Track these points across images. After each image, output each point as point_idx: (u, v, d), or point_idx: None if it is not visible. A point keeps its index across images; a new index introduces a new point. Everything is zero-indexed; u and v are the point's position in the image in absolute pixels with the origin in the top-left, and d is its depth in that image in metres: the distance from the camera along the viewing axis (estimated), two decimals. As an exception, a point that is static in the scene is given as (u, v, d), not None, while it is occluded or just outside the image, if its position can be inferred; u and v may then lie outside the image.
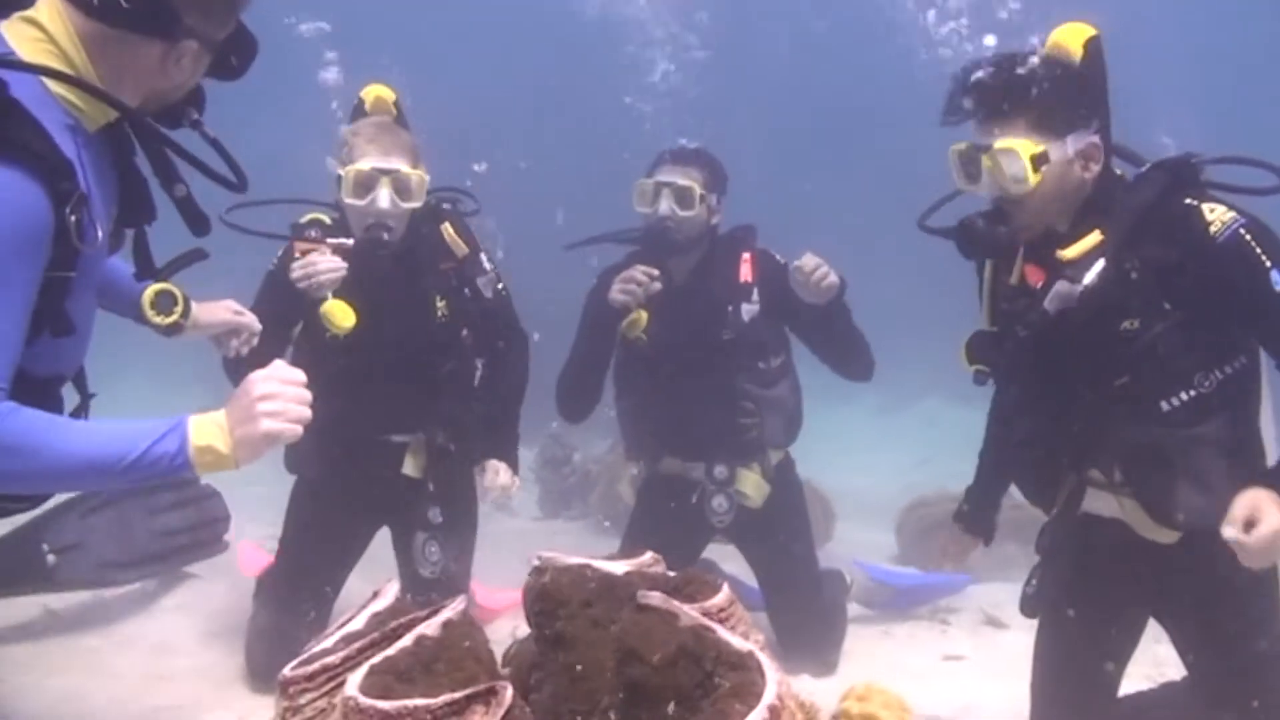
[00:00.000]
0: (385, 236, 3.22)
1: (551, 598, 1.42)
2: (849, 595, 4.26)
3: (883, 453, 9.69)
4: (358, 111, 3.44)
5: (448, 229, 3.45)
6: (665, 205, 3.61)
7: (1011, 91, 2.40)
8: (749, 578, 4.10)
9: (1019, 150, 2.37)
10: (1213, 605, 2.54)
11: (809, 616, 3.84)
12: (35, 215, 1.80)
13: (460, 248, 3.45)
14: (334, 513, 3.49)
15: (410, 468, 3.47)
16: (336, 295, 3.19)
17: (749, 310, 3.68)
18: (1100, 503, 2.64)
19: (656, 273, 3.59)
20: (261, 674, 3.29)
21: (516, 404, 3.69)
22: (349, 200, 3.23)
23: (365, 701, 1.20)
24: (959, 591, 4.70)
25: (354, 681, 1.24)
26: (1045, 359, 2.54)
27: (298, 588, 3.42)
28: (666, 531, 3.78)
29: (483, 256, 3.49)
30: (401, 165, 3.21)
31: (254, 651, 3.39)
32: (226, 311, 2.72)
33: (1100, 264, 2.37)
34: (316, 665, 1.33)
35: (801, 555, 3.92)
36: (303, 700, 1.34)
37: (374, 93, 3.43)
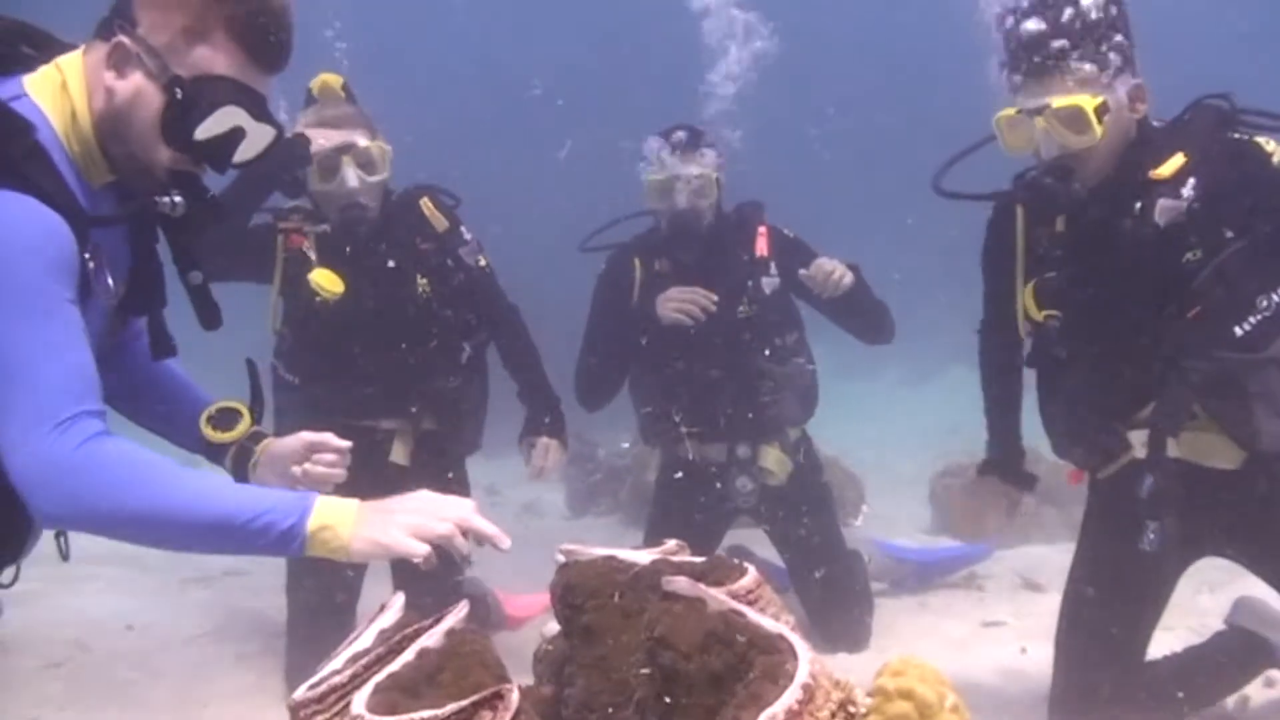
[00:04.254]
0: (360, 213, 3.24)
1: (578, 591, 1.41)
2: (869, 574, 4.19)
3: (911, 424, 9.61)
4: (307, 100, 3.41)
5: (426, 204, 3.43)
6: (684, 199, 3.57)
7: (1055, 48, 2.44)
8: (778, 560, 4.04)
9: (1083, 105, 2.42)
10: None
11: (838, 592, 3.80)
12: (67, 240, 1.67)
13: (440, 222, 3.43)
14: None
15: (398, 455, 3.43)
16: (320, 265, 3.22)
17: (769, 284, 3.66)
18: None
19: (715, 297, 3.59)
20: (298, 680, 3.25)
21: (540, 373, 3.65)
22: (317, 187, 3.25)
23: (371, 719, 1.19)
24: (981, 561, 4.64)
25: (359, 700, 1.23)
26: (1120, 297, 2.59)
27: (312, 598, 3.39)
28: (690, 516, 3.75)
29: (463, 228, 3.47)
30: (359, 139, 3.22)
31: (290, 672, 3.39)
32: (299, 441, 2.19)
33: (1193, 180, 2.45)
34: (325, 686, 1.32)
35: (827, 531, 3.88)
36: None
37: (321, 79, 3.39)
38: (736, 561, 1.41)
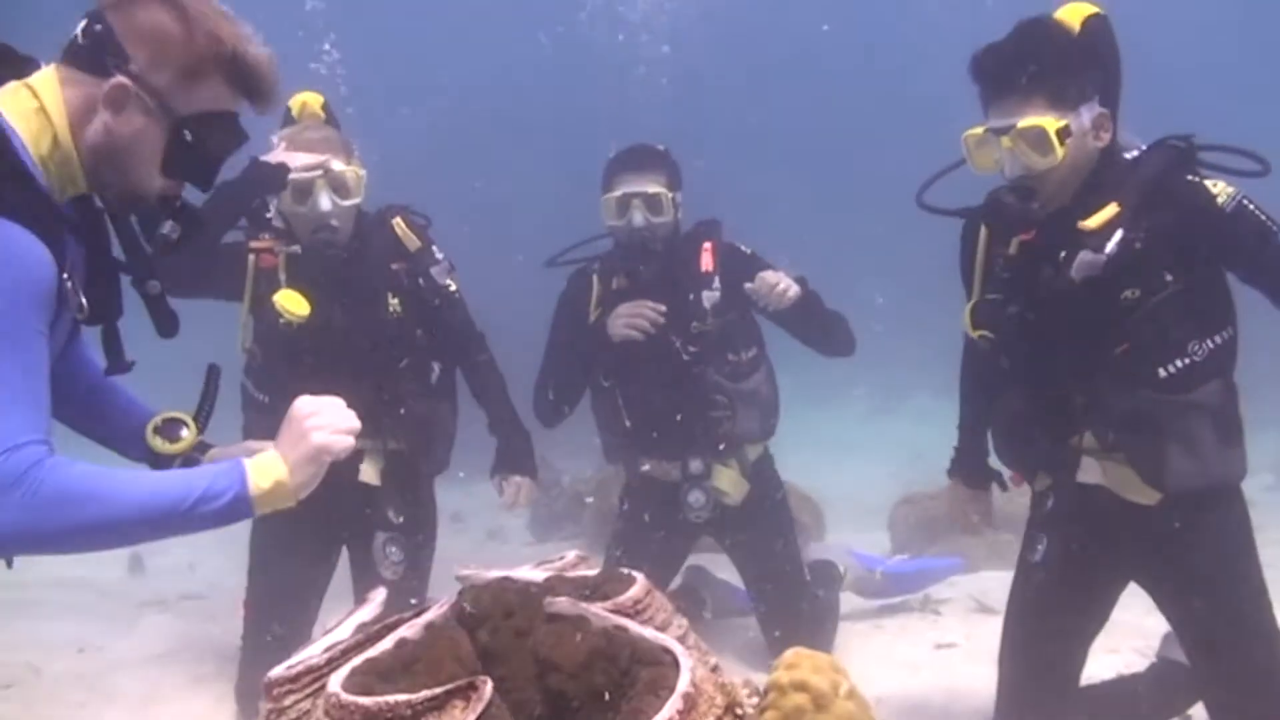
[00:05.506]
0: (330, 235, 3.25)
1: (472, 615, 1.43)
2: (843, 585, 4.23)
3: (875, 453, 9.68)
4: (286, 119, 3.43)
5: (399, 224, 3.46)
6: (638, 217, 3.60)
7: (1024, 70, 2.48)
8: (739, 582, 4.06)
9: (1045, 126, 2.46)
10: (1192, 564, 2.62)
11: (796, 614, 3.81)
12: (49, 269, 1.73)
13: (412, 241, 3.45)
14: (294, 531, 3.43)
15: (368, 474, 3.44)
16: (289, 287, 3.22)
17: (709, 298, 3.66)
18: (1087, 470, 2.70)
19: (663, 308, 3.61)
20: (249, 705, 3.23)
21: (508, 404, 3.68)
22: (290, 209, 3.27)
23: (347, 698, 1.22)
24: (955, 573, 4.70)
25: (336, 680, 1.26)
26: (1050, 326, 2.63)
27: (268, 615, 3.38)
28: (650, 534, 3.76)
29: (435, 248, 3.48)
30: (335, 164, 3.24)
31: (242, 689, 3.37)
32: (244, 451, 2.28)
33: (1119, 234, 2.46)
34: (301, 667, 1.35)
35: (785, 552, 3.89)
36: (287, 701, 1.35)
37: (301, 99, 3.42)
38: (626, 573, 1.43)
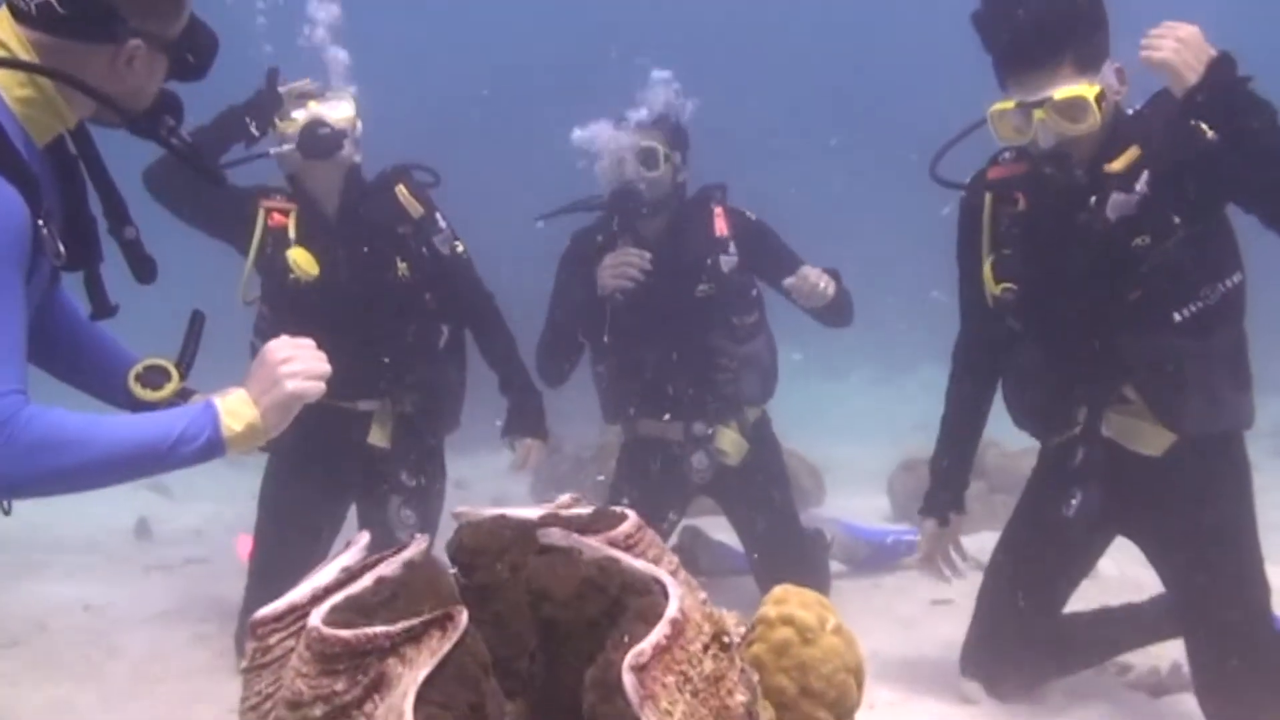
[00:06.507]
0: (330, 136, 3.30)
1: (469, 551, 1.45)
2: (830, 554, 4.25)
3: (879, 421, 9.68)
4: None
5: (402, 190, 3.49)
6: (631, 168, 3.63)
7: (1048, 41, 2.50)
8: (737, 544, 4.10)
9: (1085, 95, 2.48)
10: (1192, 516, 2.67)
11: (791, 561, 3.83)
12: (23, 217, 1.76)
13: (415, 208, 3.48)
14: (303, 489, 3.52)
15: (377, 437, 3.48)
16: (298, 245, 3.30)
17: (728, 262, 3.70)
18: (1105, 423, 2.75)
19: (648, 255, 3.62)
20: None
21: (519, 365, 3.72)
22: (282, 124, 3.33)
23: (327, 631, 1.23)
24: None
25: (317, 615, 1.28)
26: (1070, 273, 2.66)
27: (274, 568, 3.41)
28: (648, 494, 3.80)
29: (438, 215, 3.52)
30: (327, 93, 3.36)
31: (241, 634, 3.41)
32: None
33: (1146, 174, 2.50)
34: (285, 605, 1.37)
35: (782, 511, 3.93)
36: (272, 640, 1.38)
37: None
38: (619, 511, 1.43)
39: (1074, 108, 2.49)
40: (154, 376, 2.21)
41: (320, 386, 1.98)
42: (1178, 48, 2.38)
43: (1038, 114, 2.51)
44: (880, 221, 14.47)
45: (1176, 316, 2.56)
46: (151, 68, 2.00)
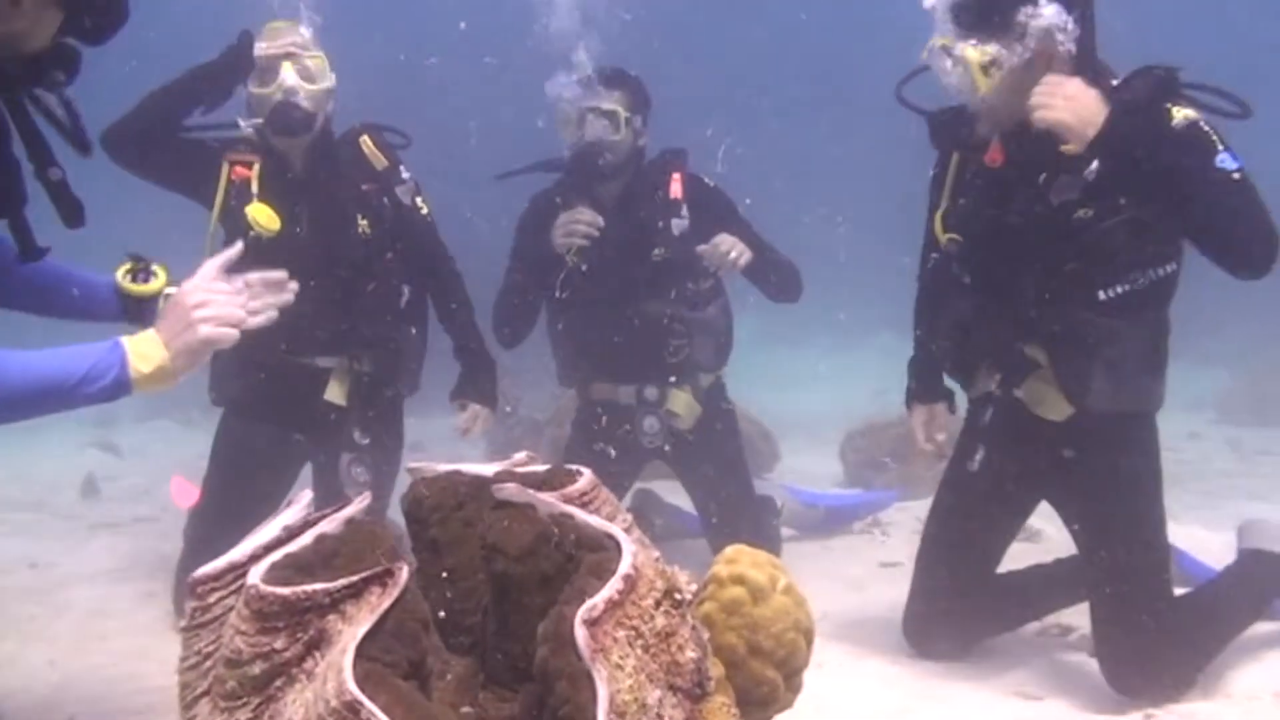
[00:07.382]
0: (298, 113, 3.23)
1: (423, 505, 1.44)
2: (779, 519, 4.28)
3: (837, 387, 9.75)
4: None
5: (366, 142, 3.45)
6: (592, 131, 3.59)
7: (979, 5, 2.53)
8: (690, 508, 4.12)
9: (971, 59, 2.54)
10: (1093, 487, 2.73)
11: (744, 520, 3.85)
12: None
13: (380, 160, 3.45)
14: (257, 444, 3.48)
15: (334, 394, 3.44)
16: (260, 201, 3.23)
17: (679, 225, 3.70)
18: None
19: (601, 219, 3.61)
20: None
21: (475, 331, 3.69)
22: (254, 90, 3.26)
23: (265, 589, 1.23)
24: (886, 507, 4.78)
25: (256, 573, 1.27)
26: (1015, 237, 2.69)
27: (218, 525, 3.36)
28: (601, 458, 3.79)
29: (401, 168, 3.49)
30: (300, 49, 3.27)
31: (179, 591, 3.36)
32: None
33: (1097, 163, 2.48)
34: (224, 564, 1.37)
35: (735, 475, 3.95)
36: (212, 599, 1.38)
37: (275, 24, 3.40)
38: (574, 469, 1.44)
39: (969, 68, 2.55)
40: (142, 275, 2.25)
41: (234, 334, 1.98)
42: (1069, 105, 2.43)
43: (948, 64, 2.59)
44: (851, 186, 14.47)
45: (1101, 295, 2.59)
46: (40, 13, 1.87)
